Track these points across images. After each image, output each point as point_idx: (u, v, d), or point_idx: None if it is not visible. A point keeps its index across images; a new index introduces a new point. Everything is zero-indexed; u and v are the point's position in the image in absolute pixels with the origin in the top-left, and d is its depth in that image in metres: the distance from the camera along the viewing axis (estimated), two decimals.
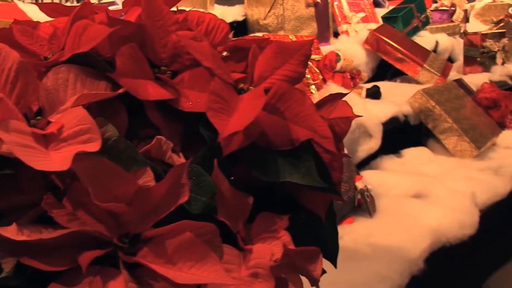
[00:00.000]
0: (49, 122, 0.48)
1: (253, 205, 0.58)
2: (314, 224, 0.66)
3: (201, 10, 2.59)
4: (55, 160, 0.42)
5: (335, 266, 0.69)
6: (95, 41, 0.53)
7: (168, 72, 0.60)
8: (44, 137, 0.46)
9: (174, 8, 0.78)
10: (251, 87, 0.60)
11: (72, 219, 0.43)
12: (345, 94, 0.71)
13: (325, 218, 0.65)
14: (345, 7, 2.90)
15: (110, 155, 0.47)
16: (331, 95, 0.69)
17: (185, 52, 0.60)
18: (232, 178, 0.64)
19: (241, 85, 0.60)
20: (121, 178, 0.44)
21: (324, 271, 0.64)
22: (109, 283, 0.41)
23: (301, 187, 0.59)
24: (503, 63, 2.91)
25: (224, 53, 0.72)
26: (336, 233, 0.70)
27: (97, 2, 2.92)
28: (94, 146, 0.43)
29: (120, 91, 0.52)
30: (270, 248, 0.49)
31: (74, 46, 0.55)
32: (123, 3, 0.74)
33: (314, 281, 0.55)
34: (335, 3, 2.83)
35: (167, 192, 0.46)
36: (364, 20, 2.93)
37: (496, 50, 2.83)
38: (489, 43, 2.81)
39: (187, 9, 2.42)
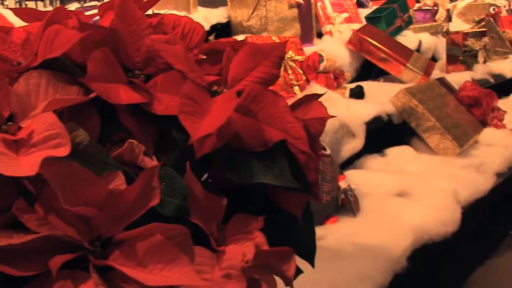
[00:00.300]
0: (20, 128, 0.48)
1: (231, 206, 0.59)
2: (291, 224, 0.66)
3: (184, 12, 2.60)
4: (24, 165, 0.42)
5: (313, 266, 0.70)
6: (66, 46, 0.53)
7: (142, 76, 0.60)
8: (14, 142, 0.46)
9: (149, 11, 0.78)
10: (225, 90, 0.61)
11: (42, 224, 0.43)
12: (321, 95, 0.72)
13: (302, 218, 0.66)
14: (329, 8, 2.91)
15: (81, 160, 0.47)
16: (306, 96, 0.70)
17: (159, 55, 0.60)
18: (209, 180, 0.64)
19: (215, 88, 0.61)
20: (91, 182, 0.44)
21: (300, 271, 0.65)
22: (80, 287, 0.42)
23: (277, 188, 0.59)
24: (484, 62, 2.93)
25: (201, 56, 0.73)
26: (313, 233, 0.71)
27: (80, 6, 2.91)
28: (63, 151, 0.43)
29: (92, 95, 0.52)
30: (242, 249, 0.49)
31: (46, 51, 0.55)
32: (98, 7, 0.74)
33: (288, 281, 0.55)
34: (319, 4, 2.85)
35: (138, 195, 0.46)
36: (348, 20, 2.94)
37: (477, 48, 2.86)
38: (470, 42, 2.84)
39: (170, 11, 2.41)
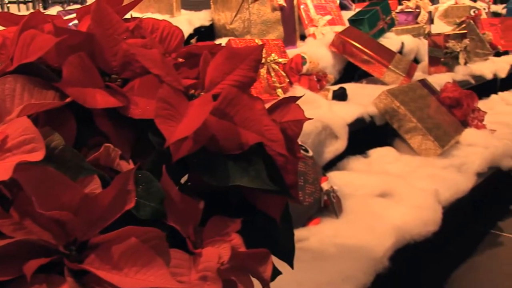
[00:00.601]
0: None
1: (210, 209, 0.59)
2: (269, 226, 0.67)
3: (167, 15, 2.60)
4: None
5: (292, 267, 0.70)
6: (42, 51, 0.53)
7: (119, 80, 0.61)
8: None
9: (128, 15, 0.79)
10: (202, 93, 0.61)
11: (17, 229, 0.43)
12: (299, 98, 0.73)
13: (280, 220, 0.67)
14: (312, 10, 2.93)
15: (56, 164, 0.48)
16: (284, 98, 0.71)
17: (135, 60, 0.60)
18: (189, 183, 0.65)
19: (192, 91, 0.61)
20: (66, 186, 0.45)
21: (278, 272, 0.66)
22: None
23: (255, 190, 0.60)
24: (465, 63, 2.97)
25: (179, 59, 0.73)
26: (292, 234, 0.71)
27: (62, 9, 2.90)
28: (37, 156, 0.43)
29: (67, 100, 0.52)
30: (218, 251, 0.50)
31: (22, 56, 0.55)
32: (77, 11, 0.74)
33: (265, 282, 0.56)
34: (302, 6, 2.86)
35: (113, 198, 0.46)
36: (331, 23, 2.96)
37: (458, 50, 2.89)
38: (451, 43, 2.87)
39: (153, 14, 2.40)
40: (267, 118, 0.60)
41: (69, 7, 3.33)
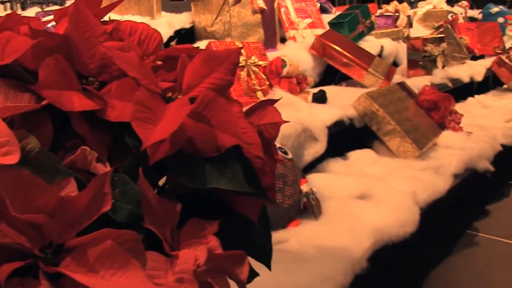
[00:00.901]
0: None
1: (188, 211, 0.59)
2: (247, 228, 0.67)
3: (148, 17, 2.59)
4: None
5: (269, 268, 0.71)
6: (17, 53, 0.53)
7: (96, 82, 0.61)
8: None
9: (108, 17, 0.79)
10: (179, 96, 0.62)
11: None
12: (276, 101, 0.73)
13: (258, 222, 0.67)
14: (292, 13, 2.94)
15: (32, 167, 0.48)
16: (262, 101, 0.71)
17: (113, 62, 0.60)
18: (167, 186, 0.65)
19: (169, 94, 0.61)
20: (42, 189, 0.44)
21: (256, 274, 0.66)
22: None
23: (232, 192, 0.60)
24: (443, 67, 3.01)
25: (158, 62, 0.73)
26: (269, 236, 0.72)
27: (41, 10, 2.87)
28: (12, 159, 0.43)
29: (44, 103, 0.52)
30: (194, 254, 0.50)
31: None
32: (54, 13, 0.74)
33: (241, 284, 0.56)
34: (282, 9, 2.88)
35: (90, 201, 0.46)
36: (311, 26, 2.98)
37: (436, 54, 2.93)
38: (430, 47, 2.91)
39: (133, 16, 2.39)
40: (244, 120, 0.60)
41: (48, 8, 3.30)
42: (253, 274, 0.64)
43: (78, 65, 0.60)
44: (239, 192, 0.59)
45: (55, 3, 4.50)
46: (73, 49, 0.60)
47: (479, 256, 1.92)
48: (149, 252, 0.48)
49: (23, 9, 4.15)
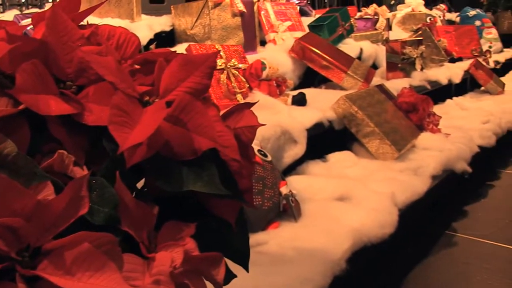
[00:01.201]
0: None
1: (165, 214, 0.60)
2: (224, 230, 0.68)
3: (128, 20, 2.58)
4: None
5: (247, 270, 0.72)
6: None
7: (74, 86, 0.61)
8: None
9: (84, 22, 0.79)
10: (156, 100, 0.62)
11: None
12: (253, 104, 0.74)
13: (235, 224, 0.68)
14: (272, 16, 2.96)
15: (9, 171, 0.48)
16: (238, 104, 0.72)
17: (90, 67, 0.61)
18: (145, 189, 0.65)
19: (146, 98, 0.62)
20: (19, 193, 0.45)
21: (233, 276, 0.67)
22: None
23: (209, 195, 0.61)
24: (422, 69, 3.05)
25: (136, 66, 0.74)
26: (247, 238, 0.73)
27: (20, 13, 2.84)
28: None
29: (21, 107, 0.52)
30: (171, 256, 0.51)
31: None
32: (32, 17, 0.74)
33: (218, 285, 0.57)
34: (262, 12, 2.89)
35: (67, 204, 0.47)
36: (291, 28, 3.00)
37: (415, 56, 2.97)
38: (408, 50, 2.95)
39: (113, 19, 2.38)
40: (220, 124, 0.61)
41: (27, 11, 3.27)
42: (230, 276, 0.65)
43: (55, 69, 0.60)
44: (216, 194, 0.60)
45: (34, 5, 4.47)
46: (51, 54, 0.60)
47: (457, 256, 1.95)
48: (126, 254, 0.49)
49: (2, 11, 4.11)
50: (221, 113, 0.70)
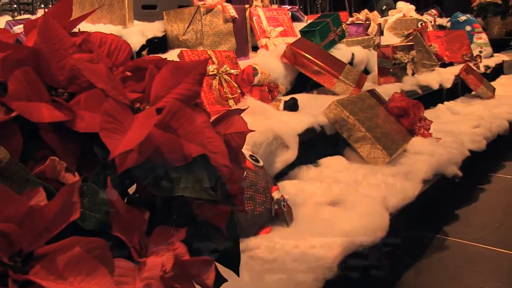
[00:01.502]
0: None
1: (157, 219, 0.61)
2: (215, 235, 0.69)
3: (120, 26, 2.59)
4: None
5: (238, 274, 0.73)
6: None
7: (65, 94, 0.62)
8: None
9: (76, 29, 0.80)
10: (147, 107, 0.63)
11: None
12: (243, 110, 0.75)
13: (226, 229, 0.69)
14: (264, 22, 2.97)
15: (2, 177, 0.49)
16: (229, 111, 0.73)
17: (82, 74, 0.62)
18: (136, 194, 0.66)
19: (137, 105, 0.63)
20: (11, 199, 0.46)
21: (223, 280, 0.68)
22: None
23: (199, 200, 0.62)
24: (413, 74, 3.07)
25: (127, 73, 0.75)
26: (237, 243, 0.74)
27: (12, 19, 2.84)
28: None
29: (13, 114, 0.53)
30: (161, 260, 0.51)
31: None
32: (24, 24, 0.75)
33: None
34: (254, 18, 2.91)
35: (59, 210, 0.48)
36: (283, 34, 3.02)
37: (406, 61, 2.99)
38: (399, 55, 2.97)
39: (106, 25, 2.38)
40: (210, 130, 0.62)
41: (19, 17, 3.27)
42: (221, 280, 0.66)
43: (47, 76, 0.61)
44: (206, 200, 0.61)
45: (26, 11, 4.46)
46: (43, 61, 0.61)
47: (448, 260, 1.97)
48: (117, 259, 0.50)
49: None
50: (212, 119, 0.71)
